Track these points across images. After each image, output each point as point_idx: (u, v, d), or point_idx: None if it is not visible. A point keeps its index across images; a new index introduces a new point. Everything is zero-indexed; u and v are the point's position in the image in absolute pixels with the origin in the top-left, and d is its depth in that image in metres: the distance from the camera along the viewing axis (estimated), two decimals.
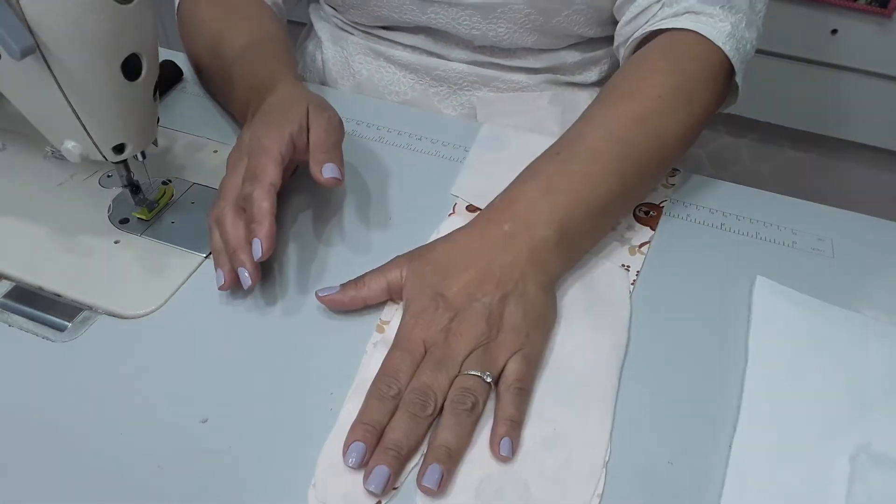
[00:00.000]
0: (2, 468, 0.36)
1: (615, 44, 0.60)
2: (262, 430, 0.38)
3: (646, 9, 0.54)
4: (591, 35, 0.64)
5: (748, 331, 0.45)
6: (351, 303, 0.44)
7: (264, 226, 0.42)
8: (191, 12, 0.63)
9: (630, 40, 0.56)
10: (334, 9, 0.70)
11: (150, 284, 0.46)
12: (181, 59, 0.67)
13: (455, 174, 0.56)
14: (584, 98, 0.66)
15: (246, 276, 0.42)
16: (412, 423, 0.37)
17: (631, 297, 0.46)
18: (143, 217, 0.49)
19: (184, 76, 0.66)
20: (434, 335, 0.40)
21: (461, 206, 0.53)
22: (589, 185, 0.46)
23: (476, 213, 0.49)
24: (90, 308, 0.44)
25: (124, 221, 0.50)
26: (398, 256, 0.45)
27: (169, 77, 0.64)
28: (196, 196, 0.52)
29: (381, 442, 0.37)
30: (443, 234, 0.49)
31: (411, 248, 0.48)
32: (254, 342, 0.43)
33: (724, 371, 0.42)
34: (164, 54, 0.67)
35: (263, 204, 0.42)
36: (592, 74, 0.68)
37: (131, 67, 0.41)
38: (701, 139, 0.58)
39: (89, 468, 0.36)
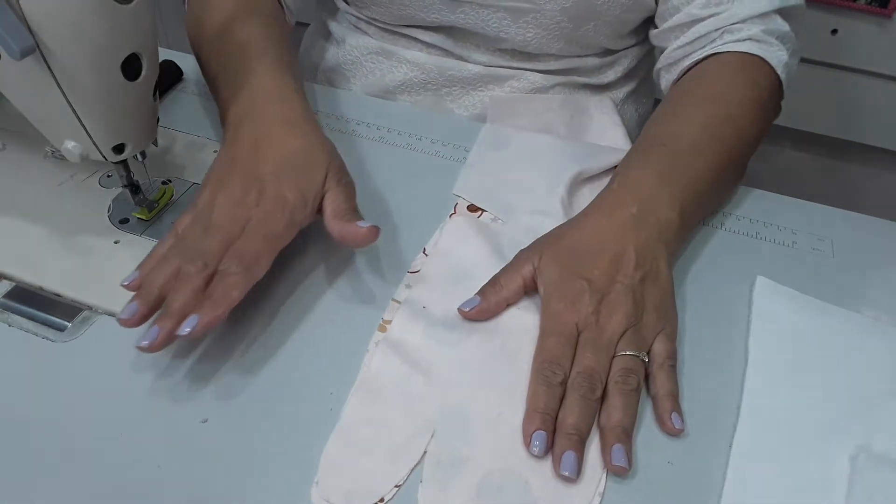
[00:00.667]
0: (2, 468, 0.36)
1: (658, 66, 0.62)
2: (262, 430, 0.38)
3: (704, 35, 0.57)
4: (612, 47, 0.67)
5: (748, 331, 0.45)
6: (497, 308, 0.44)
7: (216, 313, 0.38)
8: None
9: (686, 59, 0.59)
10: (346, 2, 0.69)
11: None
12: (181, 59, 0.67)
13: (456, 174, 0.56)
14: (595, 103, 0.67)
15: (153, 340, 0.37)
16: (585, 405, 0.38)
17: None
18: (143, 217, 0.49)
19: (184, 76, 0.66)
20: (585, 317, 0.41)
21: (462, 206, 0.53)
22: (697, 176, 0.49)
23: (477, 213, 0.51)
24: (90, 308, 0.44)
25: (124, 221, 0.50)
26: (523, 251, 0.46)
27: (169, 77, 0.64)
28: None
29: (559, 428, 0.38)
30: (446, 236, 0.49)
31: (410, 249, 0.48)
32: (254, 342, 0.43)
33: (724, 371, 0.42)
34: (164, 54, 0.67)
35: (233, 294, 0.39)
36: (608, 76, 0.68)
37: (131, 67, 0.41)
38: None
39: (89, 468, 0.36)
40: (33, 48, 0.37)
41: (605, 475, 0.37)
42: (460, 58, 0.67)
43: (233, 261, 0.40)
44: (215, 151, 0.56)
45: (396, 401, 0.40)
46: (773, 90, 0.56)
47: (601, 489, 0.36)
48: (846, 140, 1.10)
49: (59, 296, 0.45)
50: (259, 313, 0.45)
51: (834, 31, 0.98)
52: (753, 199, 0.55)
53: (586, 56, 0.67)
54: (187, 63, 0.66)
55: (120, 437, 0.38)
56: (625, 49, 0.68)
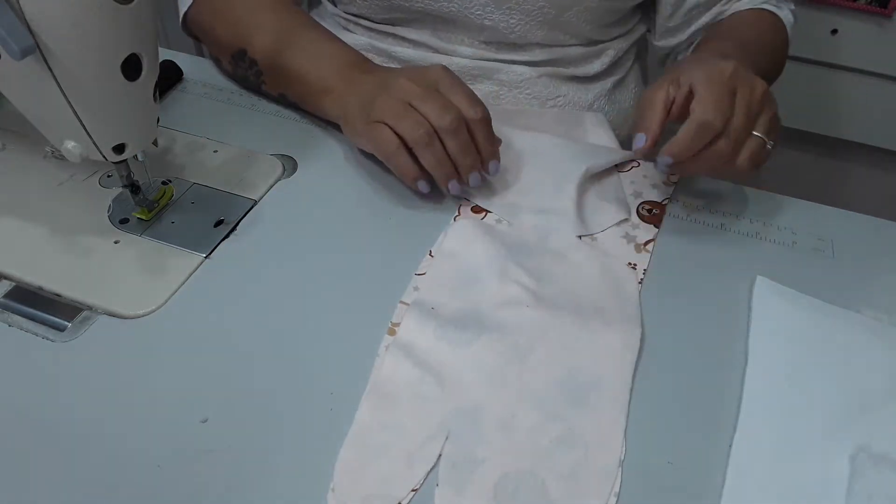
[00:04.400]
0: (2, 468, 0.36)
1: (674, 47, 0.70)
2: (263, 431, 0.38)
3: (717, 16, 0.67)
4: (597, 37, 0.67)
5: (748, 331, 0.45)
6: (660, 128, 0.48)
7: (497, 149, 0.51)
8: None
9: (702, 27, 0.68)
10: (333, 3, 0.69)
11: (150, 284, 0.46)
12: (181, 59, 0.66)
13: None
14: (590, 118, 0.67)
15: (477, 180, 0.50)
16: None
17: (640, 295, 0.46)
18: (143, 217, 0.49)
19: (184, 76, 0.66)
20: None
21: (466, 208, 0.53)
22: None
23: (482, 214, 0.52)
24: (90, 308, 0.44)
25: (124, 221, 0.50)
26: (646, 91, 0.50)
27: (169, 77, 0.64)
28: (196, 196, 0.52)
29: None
30: (451, 238, 0.50)
31: (416, 251, 0.48)
32: (253, 342, 0.43)
33: (724, 371, 0.43)
34: (164, 54, 0.67)
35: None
36: (594, 66, 0.69)
37: (131, 67, 0.41)
38: None
39: (89, 468, 0.37)
40: (33, 48, 0.37)
41: (619, 474, 0.37)
42: (447, 53, 0.67)
43: (468, 106, 0.49)
44: (215, 151, 0.56)
45: (409, 404, 0.40)
46: (786, 44, 0.66)
47: (616, 489, 0.36)
48: (846, 140, 1.10)
49: (59, 296, 0.45)
50: (258, 313, 0.45)
51: (834, 31, 0.98)
52: (753, 199, 0.55)
53: (570, 46, 0.67)
54: (187, 63, 0.66)
55: (120, 437, 0.38)
56: (610, 40, 0.69)
